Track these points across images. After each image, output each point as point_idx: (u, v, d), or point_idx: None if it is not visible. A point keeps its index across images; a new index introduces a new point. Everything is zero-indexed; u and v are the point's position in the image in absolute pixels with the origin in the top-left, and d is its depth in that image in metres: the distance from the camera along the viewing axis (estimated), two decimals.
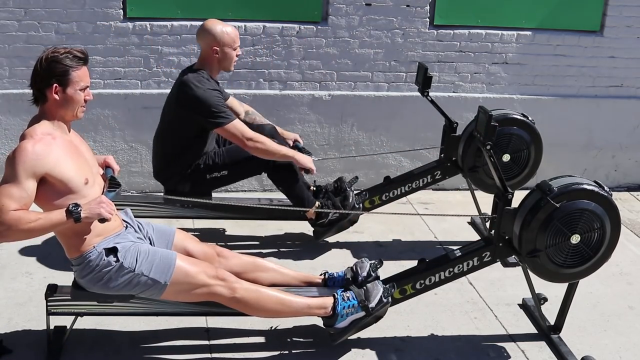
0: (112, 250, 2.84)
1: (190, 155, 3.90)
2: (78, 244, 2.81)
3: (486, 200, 3.98)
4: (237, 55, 3.88)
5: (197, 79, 3.75)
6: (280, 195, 4.28)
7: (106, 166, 3.07)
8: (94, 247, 2.82)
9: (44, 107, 2.76)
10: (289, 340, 3.34)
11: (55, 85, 2.70)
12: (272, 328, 3.39)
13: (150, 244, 3.07)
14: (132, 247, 2.89)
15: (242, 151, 3.88)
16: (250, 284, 3.05)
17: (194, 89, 3.71)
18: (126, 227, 3.01)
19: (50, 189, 2.69)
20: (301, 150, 4.14)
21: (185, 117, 3.78)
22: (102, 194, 2.82)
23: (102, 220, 2.69)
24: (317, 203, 4.09)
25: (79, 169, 2.76)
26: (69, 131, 2.84)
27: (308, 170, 3.99)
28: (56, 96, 2.71)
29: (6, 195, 2.59)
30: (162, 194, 4.94)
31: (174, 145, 3.88)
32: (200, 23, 4.71)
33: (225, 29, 3.79)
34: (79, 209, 2.63)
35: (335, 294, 3.16)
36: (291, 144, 4.18)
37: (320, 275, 3.40)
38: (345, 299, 3.14)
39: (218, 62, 3.83)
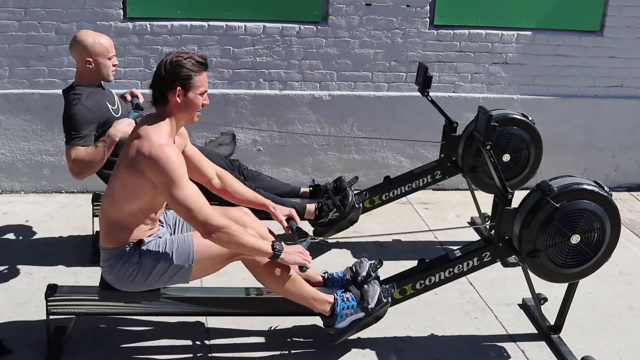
0: (138, 244, 2.88)
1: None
2: (118, 237, 2.86)
3: (486, 200, 3.98)
4: (114, 65, 3.67)
5: (68, 99, 3.55)
6: None
7: (289, 218, 3.23)
8: (130, 242, 2.87)
9: (164, 109, 2.81)
10: (289, 340, 3.34)
11: (178, 88, 2.76)
12: (272, 328, 3.39)
13: (174, 228, 3.13)
14: (154, 241, 2.92)
15: None
16: None
17: (64, 110, 3.55)
18: (161, 226, 3.07)
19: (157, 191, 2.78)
20: (135, 106, 3.86)
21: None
22: (295, 241, 3.05)
23: (302, 268, 2.98)
24: (312, 205, 4.08)
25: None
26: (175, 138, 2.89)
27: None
28: (178, 99, 2.77)
29: (194, 200, 2.71)
30: None
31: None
32: (200, 23, 4.75)
33: (98, 39, 3.59)
34: (281, 249, 2.89)
35: (335, 295, 3.16)
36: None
37: (320, 275, 3.39)
38: (345, 299, 3.14)
39: (94, 72, 3.61)
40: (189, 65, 2.75)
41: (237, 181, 3.33)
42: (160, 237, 2.97)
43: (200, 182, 3.19)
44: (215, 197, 3.33)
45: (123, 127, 3.54)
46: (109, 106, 3.67)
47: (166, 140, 2.74)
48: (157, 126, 2.76)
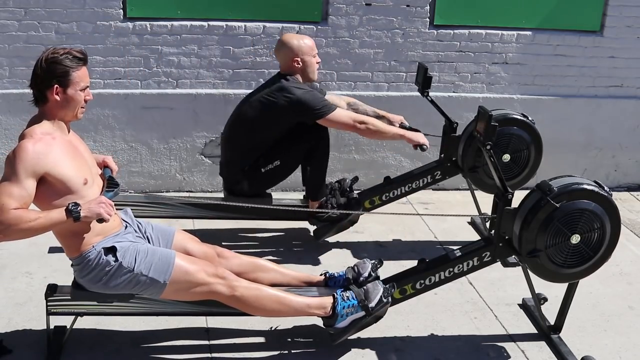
0: (111, 250, 2.84)
1: (265, 155, 3.97)
2: (77, 244, 2.82)
3: (486, 200, 3.98)
4: (317, 63, 4.03)
5: (294, 83, 3.91)
6: (279, 196, 4.28)
7: (104, 166, 3.07)
8: (93, 246, 2.83)
9: (44, 108, 2.77)
10: (289, 340, 3.34)
11: (56, 86, 2.71)
12: (272, 328, 3.39)
13: (150, 243, 3.07)
14: (131, 247, 2.89)
15: (290, 139, 3.95)
16: (250, 283, 3.05)
17: (296, 91, 3.86)
18: (126, 226, 3.02)
19: (49, 188, 2.70)
20: (409, 129, 4.27)
21: (282, 120, 3.89)
22: (100, 194, 2.82)
23: (101, 220, 2.71)
24: (316, 203, 4.10)
25: (78, 169, 2.77)
26: (69, 132, 2.85)
27: (422, 147, 4.11)
28: (57, 97, 2.72)
29: (6, 194, 2.60)
30: (161, 193, 4.97)
31: (254, 147, 3.94)
32: (200, 23, 4.75)
33: (303, 40, 3.96)
34: (78, 208, 2.64)
35: (335, 294, 3.16)
36: (397, 126, 4.29)
37: (321, 275, 3.40)
38: (345, 298, 3.14)
39: (301, 71, 3.97)
40: (65, 61, 2.70)
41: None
42: (133, 242, 2.94)
43: None
44: None
45: (420, 136, 4.17)
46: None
47: (34, 137, 2.68)
48: (32, 128, 2.73)
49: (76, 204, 2.65)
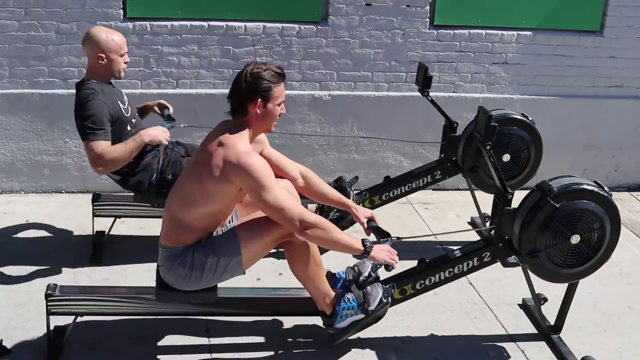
0: (192, 245, 2.92)
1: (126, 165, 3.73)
2: (180, 237, 2.90)
3: (486, 200, 3.98)
4: (125, 62, 3.72)
5: (82, 95, 3.59)
6: None
7: (370, 220, 3.29)
8: (190, 244, 2.91)
9: (243, 119, 2.88)
10: (289, 340, 3.34)
11: (259, 100, 2.81)
12: (272, 329, 3.39)
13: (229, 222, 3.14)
14: (203, 240, 2.96)
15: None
16: (315, 235, 2.96)
17: (76, 105, 3.59)
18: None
19: (237, 196, 2.87)
20: (167, 117, 3.94)
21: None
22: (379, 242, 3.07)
23: (388, 267, 3.01)
24: (314, 206, 4.08)
25: None
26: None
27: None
28: (258, 110, 2.84)
29: (285, 201, 2.78)
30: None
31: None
32: (200, 23, 4.75)
33: (111, 36, 3.65)
34: (371, 247, 2.94)
35: (337, 294, 3.16)
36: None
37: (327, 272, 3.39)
38: (346, 300, 3.14)
39: (105, 68, 3.67)
40: (268, 76, 2.82)
41: (321, 181, 3.41)
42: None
43: None
44: None
45: (156, 133, 3.67)
46: (120, 104, 3.71)
47: (250, 148, 2.81)
48: (240, 135, 2.84)
49: (371, 243, 2.95)
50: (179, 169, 3.88)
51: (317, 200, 3.44)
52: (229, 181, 2.77)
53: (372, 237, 3.22)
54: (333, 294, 3.15)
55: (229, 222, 3.13)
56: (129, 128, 3.73)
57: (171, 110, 3.98)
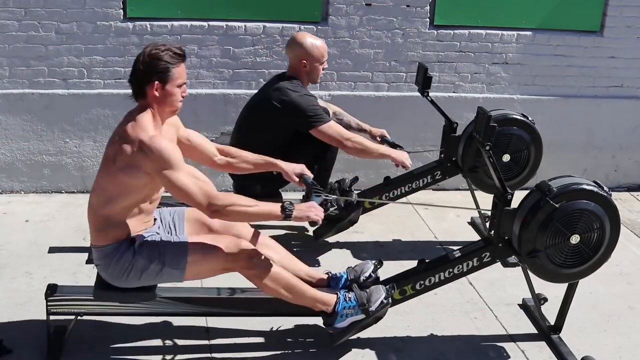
0: (132, 242, 2.88)
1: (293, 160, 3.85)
2: (109, 234, 2.86)
3: (486, 201, 3.98)
4: (323, 69, 3.98)
5: (291, 85, 3.87)
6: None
7: (302, 174, 3.26)
8: (122, 239, 2.87)
9: (144, 103, 2.82)
10: (289, 340, 3.34)
11: (156, 82, 2.75)
12: (273, 329, 3.40)
13: (172, 228, 3.12)
14: (150, 238, 2.92)
15: (301, 141, 3.94)
16: (268, 261, 3.03)
17: (290, 94, 3.82)
18: (154, 221, 3.06)
19: (152, 181, 2.79)
20: (391, 144, 4.25)
21: (279, 121, 3.85)
22: (309, 199, 3.01)
23: (312, 223, 2.94)
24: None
25: None
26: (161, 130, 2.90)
27: (404, 167, 4.10)
28: (156, 92, 2.78)
29: (193, 183, 2.73)
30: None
31: (261, 148, 3.76)
32: (200, 23, 4.74)
33: (315, 43, 3.90)
34: (292, 208, 2.83)
35: (338, 294, 3.16)
36: (379, 140, 4.31)
37: (325, 273, 3.39)
38: (347, 299, 3.14)
39: (307, 74, 3.94)
40: (166, 57, 2.75)
41: (242, 151, 3.35)
42: (154, 235, 2.97)
43: (203, 162, 3.29)
44: None
45: (404, 156, 4.12)
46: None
47: (153, 132, 2.75)
48: (142, 121, 2.76)
49: (291, 204, 2.84)
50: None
51: (245, 172, 3.39)
52: (139, 169, 2.72)
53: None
54: (325, 296, 3.14)
55: (172, 226, 3.11)
56: None
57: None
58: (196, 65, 4.82)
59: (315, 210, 2.91)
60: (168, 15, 4.72)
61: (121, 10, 4.63)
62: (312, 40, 3.91)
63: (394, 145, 4.24)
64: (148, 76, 2.75)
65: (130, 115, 2.83)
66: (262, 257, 3.02)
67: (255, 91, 4.90)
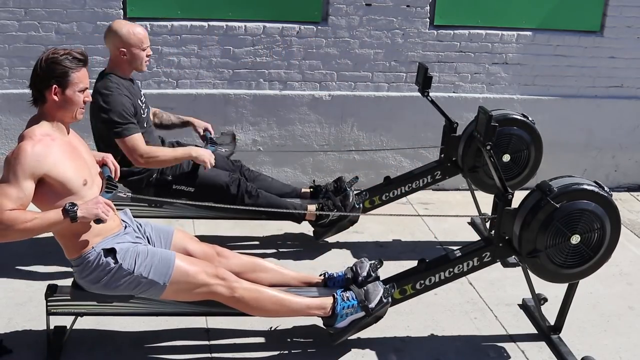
0: (111, 251, 2.84)
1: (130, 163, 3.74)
2: (76, 245, 2.81)
3: (486, 201, 3.98)
4: (147, 56, 3.73)
5: (103, 86, 3.62)
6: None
7: (103, 164, 3.04)
8: (93, 247, 2.83)
9: (43, 108, 2.76)
10: (289, 340, 3.34)
11: (54, 86, 2.69)
12: (272, 328, 3.39)
13: (149, 243, 3.07)
14: (131, 248, 2.89)
15: (217, 178, 3.89)
16: (249, 284, 3.06)
17: (98, 98, 3.57)
18: (125, 227, 3.02)
19: (49, 190, 2.69)
20: (208, 140, 4.00)
21: (97, 122, 3.67)
22: (99, 194, 2.81)
23: (98, 221, 2.69)
24: (313, 206, 4.09)
25: (78, 170, 2.76)
26: (68, 133, 2.84)
27: (204, 165, 3.77)
28: (55, 97, 2.71)
29: (3, 195, 2.59)
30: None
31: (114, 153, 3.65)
32: (200, 23, 4.75)
33: (133, 30, 3.64)
34: (75, 209, 2.62)
35: (335, 294, 3.16)
36: (201, 132, 4.08)
37: (320, 275, 3.40)
38: (345, 299, 3.14)
39: (128, 63, 3.69)
40: (65, 62, 2.69)
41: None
42: (133, 243, 2.94)
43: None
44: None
45: (205, 153, 3.76)
46: (139, 102, 3.74)
47: (33, 139, 2.65)
48: (31, 129, 2.71)
49: (73, 204, 2.63)
50: (178, 170, 3.88)
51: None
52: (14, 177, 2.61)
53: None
54: (317, 301, 3.14)
55: (159, 241, 3.08)
56: (145, 126, 3.75)
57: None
58: (196, 65, 4.82)
59: (102, 207, 2.67)
60: (168, 15, 4.72)
61: (121, 11, 4.63)
62: (128, 28, 3.65)
63: (212, 142, 4.00)
64: (46, 80, 2.68)
65: (30, 120, 2.77)
66: (241, 284, 3.00)
67: (254, 91, 4.94)
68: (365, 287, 3.18)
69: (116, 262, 2.83)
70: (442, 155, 4.45)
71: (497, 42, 5.14)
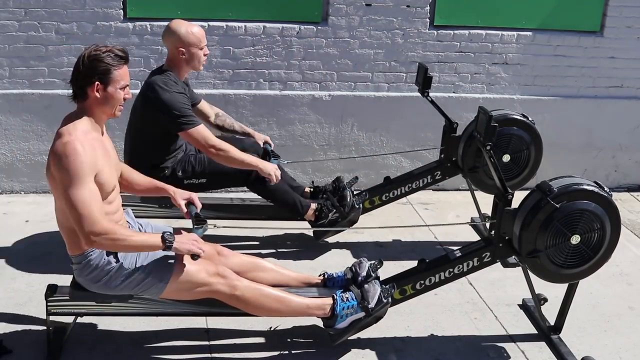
0: (114, 253, 2.84)
1: (159, 155, 3.81)
2: (80, 242, 2.79)
3: (486, 201, 3.98)
4: (205, 55, 3.80)
5: (163, 80, 3.69)
6: None
7: (189, 202, 3.12)
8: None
9: (84, 105, 2.77)
10: (289, 340, 3.34)
11: (97, 83, 2.71)
12: (272, 328, 3.40)
13: None
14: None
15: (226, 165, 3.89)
16: (250, 282, 3.06)
17: (159, 91, 3.65)
18: (128, 227, 3.01)
19: None
20: (269, 153, 4.08)
21: (151, 118, 3.71)
22: (192, 230, 2.93)
23: (195, 256, 2.82)
24: (314, 205, 4.09)
25: (111, 174, 2.79)
26: (102, 134, 2.85)
27: (269, 179, 3.82)
28: (97, 94, 2.73)
29: (85, 203, 2.59)
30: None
31: (143, 145, 3.80)
32: (200, 23, 4.74)
33: (191, 29, 3.71)
34: (172, 239, 2.74)
35: (335, 295, 3.16)
36: (261, 145, 4.17)
37: (320, 276, 3.40)
38: (345, 299, 3.14)
39: (185, 62, 3.75)
40: (107, 59, 2.70)
41: (134, 171, 3.24)
42: None
43: None
44: None
45: (271, 167, 3.81)
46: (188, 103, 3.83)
47: (77, 136, 2.66)
48: (73, 124, 2.71)
49: (171, 234, 2.75)
50: (190, 167, 3.89)
51: (134, 192, 3.25)
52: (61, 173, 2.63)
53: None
54: (317, 302, 3.14)
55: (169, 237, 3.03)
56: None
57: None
58: None
59: (197, 244, 2.83)
60: (168, 16, 4.70)
61: (121, 11, 4.63)
62: (187, 27, 3.71)
63: (273, 154, 4.07)
64: (89, 77, 2.70)
65: (68, 116, 2.77)
66: (242, 282, 3.01)
67: (255, 91, 4.93)
68: (364, 287, 3.18)
69: (117, 261, 2.83)
70: (442, 156, 4.45)
71: (497, 42, 5.14)
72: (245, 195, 4.93)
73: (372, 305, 3.13)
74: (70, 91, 2.77)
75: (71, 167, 2.60)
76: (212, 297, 2.98)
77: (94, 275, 2.85)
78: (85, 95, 2.73)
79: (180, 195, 3.12)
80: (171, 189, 3.16)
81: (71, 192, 2.60)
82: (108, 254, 2.83)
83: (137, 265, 2.85)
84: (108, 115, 2.81)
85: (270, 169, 3.81)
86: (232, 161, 3.75)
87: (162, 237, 2.73)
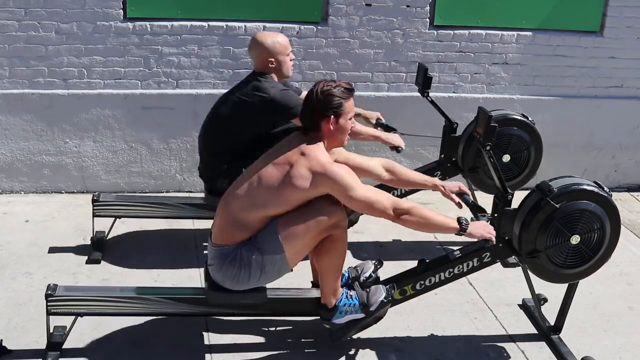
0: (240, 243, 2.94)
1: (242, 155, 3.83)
2: (236, 235, 2.91)
3: (486, 201, 3.98)
4: (291, 60, 3.88)
5: (267, 82, 3.77)
6: None
7: (461, 193, 3.38)
8: (239, 243, 2.92)
9: (317, 135, 2.95)
10: (289, 340, 3.34)
11: (331, 117, 2.89)
12: (273, 329, 3.39)
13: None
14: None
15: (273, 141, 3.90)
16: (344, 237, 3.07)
17: (270, 90, 3.73)
18: None
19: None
20: (385, 127, 4.22)
21: (255, 119, 3.78)
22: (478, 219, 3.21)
23: (485, 241, 3.05)
24: None
25: None
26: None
27: (397, 149, 4.05)
28: (331, 127, 2.90)
29: (375, 193, 2.91)
30: (161, 194, 4.97)
31: (233, 147, 3.83)
32: (200, 23, 4.75)
33: (276, 39, 3.81)
34: (467, 224, 2.97)
35: (342, 289, 3.16)
36: (374, 122, 4.28)
37: None
38: (349, 297, 3.15)
39: (275, 71, 3.83)
40: (339, 93, 2.88)
41: (405, 169, 3.47)
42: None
43: (369, 178, 3.38)
44: None
45: (485, 230, 3.34)
46: None
47: (329, 158, 2.91)
48: (318, 146, 2.91)
49: (466, 220, 2.98)
50: (240, 153, 3.87)
51: (405, 187, 3.77)
52: (315, 189, 2.85)
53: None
54: (340, 291, 3.16)
55: None
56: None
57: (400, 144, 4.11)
58: (196, 65, 4.82)
59: (489, 229, 3.07)
60: (168, 16, 4.72)
61: (121, 11, 4.63)
62: (272, 38, 3.80)
63: (388, 128, 4.23)
64: (324, 112, 2.89)
65: (302, 137, 2.96)
66: (343, 232, 3.05)
67: None
68: (367, 289, 3.18)
69: (241, 251, 2.91)
70: (442, 156, 4.45)
71: (497, 42, 5.14)
72: None
73: (372, 308, 3.14)
74: (300, 124, 3.02)
75: (344, 180, 2.87)
76: (329, 231, 2.99)
77: (230, 271, 2.93)
78: (319, 128, 2.93)
79: (449, 188, 3.36)
80: (440, 183, 3.41)
81: (355, 195, 2.87)
82: (236, 247, 2.91)
83: (251, 252, 2.91)
84: (336, 144, 3.01)
85: (395, 139, 4.02)
86: (358, 133, 3.83)
87: (458, 221, 2.97)
